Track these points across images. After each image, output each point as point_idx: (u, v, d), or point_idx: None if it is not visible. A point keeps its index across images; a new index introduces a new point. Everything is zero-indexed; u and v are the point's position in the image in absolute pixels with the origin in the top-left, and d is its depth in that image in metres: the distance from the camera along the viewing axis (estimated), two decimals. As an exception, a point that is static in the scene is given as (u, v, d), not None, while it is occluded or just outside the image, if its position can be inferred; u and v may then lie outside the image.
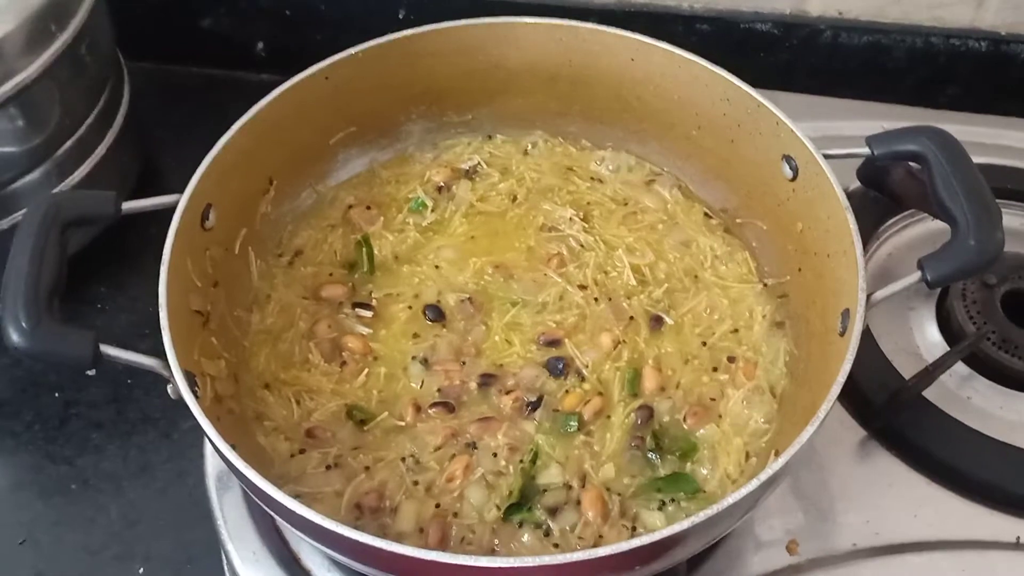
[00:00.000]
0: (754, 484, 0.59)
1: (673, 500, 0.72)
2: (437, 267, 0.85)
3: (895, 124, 1.02)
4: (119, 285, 1.00)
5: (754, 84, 0.82)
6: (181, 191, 0.73)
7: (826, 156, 0.75)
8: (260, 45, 1.20)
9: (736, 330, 0.81)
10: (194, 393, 0.64)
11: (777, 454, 0.71)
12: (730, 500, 0.58)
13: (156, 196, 0.73)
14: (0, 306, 0.64)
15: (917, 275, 0.69)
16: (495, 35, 0.87)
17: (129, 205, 0.71)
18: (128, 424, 0.90)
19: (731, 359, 0.79)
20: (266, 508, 0.65)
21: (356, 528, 0.57)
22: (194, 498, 0.82)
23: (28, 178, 0.91)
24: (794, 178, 0.79)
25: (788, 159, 0.79)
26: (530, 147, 0.94)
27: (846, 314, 0.69)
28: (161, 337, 0.66)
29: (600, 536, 0.70)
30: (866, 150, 0.75)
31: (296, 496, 0.66)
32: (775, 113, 0.79)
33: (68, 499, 0.86)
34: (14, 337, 0.62)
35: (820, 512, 0.79)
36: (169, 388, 0.65)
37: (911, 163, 0.76)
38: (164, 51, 1.18)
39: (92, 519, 0.85)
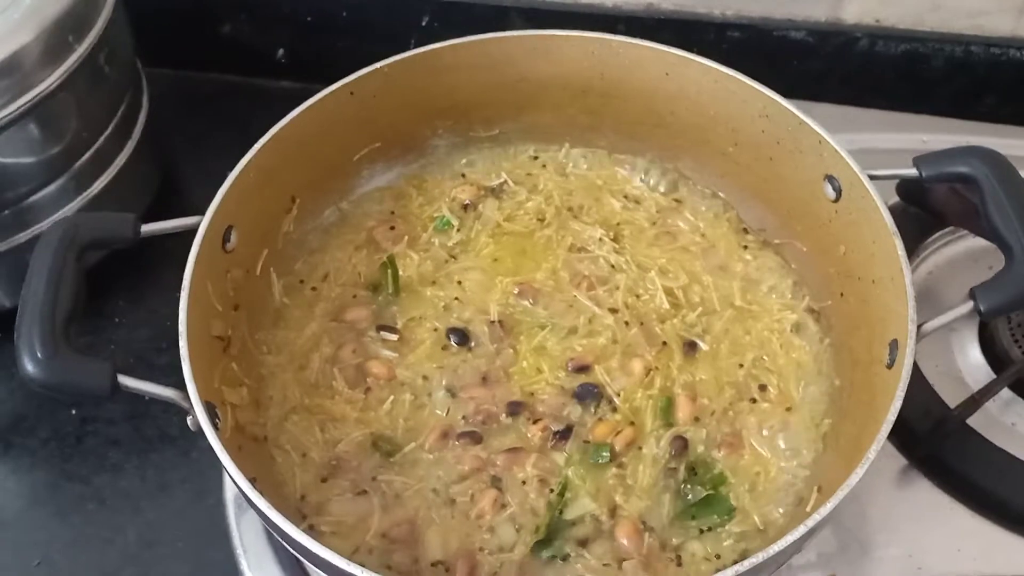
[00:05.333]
0: (801, 531, 0.56)
1: (710, 528, 0.70)
2: (464, 289, 0.83)
3: (933, 136, 1.01)
4: (137, 299, 0.98)
5: (787, 94, 0.80)
6: (201, 203, 0.71)
7: (872, 177, 0.73)
8: (281, 52, 1.18)
9: (774, 357, 0.78)
10: (214, 424, 0.62)
11: (820, 490, 0.69)
12: (776, 548, 0.56)
13: (176, 217, 0.71)
14: (15, 334, 0.62)
15: (969, 305, 0.66)
16: (524, 48, 0.85)
17: (148, 228, 0.69)
18: (146, 442, 0.89)
19: (764, 387, 0.77)
20: (286, 545, 0.62)
21: (384, 561, 0.56)
22: (212, 519, 0.81)
23: (46, 191, 0.89)
24: (837, 199, 0.76)
25: (831, 179, 0.77)
26: (559, 163, 0.92)
27: (894, 345, 0.67)
28: (179, 352, 0.65)
29: (646, 567, 0.68)
30: (914, 171, 0.72)
31: (320, 527, 0.65)
32: (817, 131, 0.76)
33: (85, 519, 0.85)
34: (29, 368, 0.61)
35: (860, 545, 0.76)
36: (189, 420, 0.63)
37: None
38: (183, 58, 1.17)
39: (109, 540, 0.83)
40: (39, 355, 0.60)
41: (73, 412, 0.90)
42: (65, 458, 0.88)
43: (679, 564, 0.68)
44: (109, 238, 0.68)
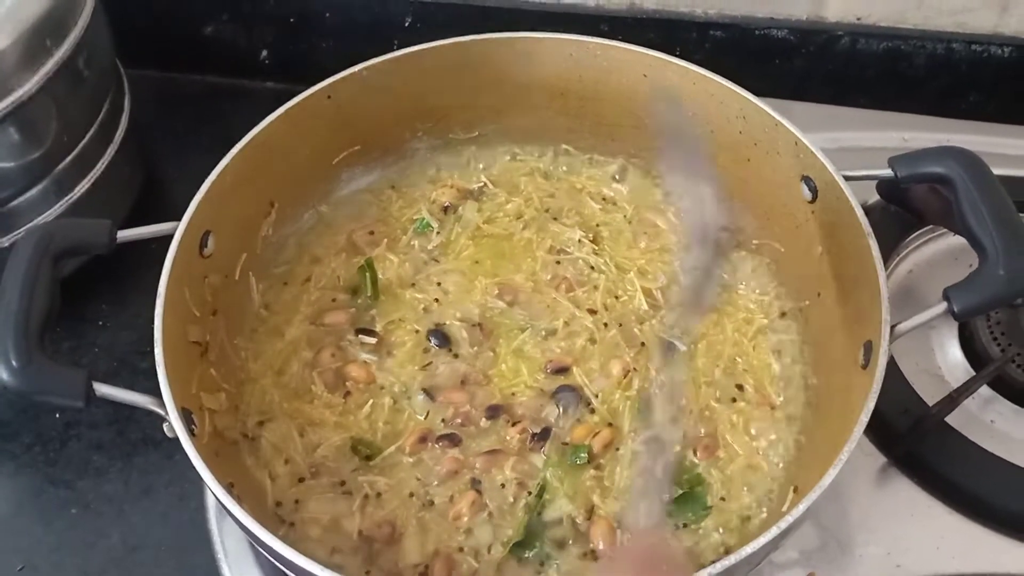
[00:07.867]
0: (774, 532, 0.57)
1: (686, 525, 0.70)
2: (444, 291, 0.83)
3: (915, 134, 1.01)
4: (120, 301, 0.98)
5: (769, 93, 0.80)
6: (185, 206, 0.71)
7: (847, 178, 0.73)
8: (264, 53, 1.17)
9: (750, 358, 0.79)
10: (191, 431, 0.62)
11: (796, 490, 0.69)
12: (748, 550, 0.56)
13: (159, 221, 0.71)
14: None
15: (943, 306, 0.66)
16: (503, 50, 0.85)
17: (124, 234, 0.69)
18: (129, 445, 0.88)
19: (742, 388, 0.77)
20: (263, 552, 0.63)
21: (364, 564, 0.55)
22: (196, 523, 0.81)
23: (27, 195, 0.89)
24: (813, 200, 0.77)
25: (807, 180, 0.77)
26: (538, 166, 0.92)
27: (868, 346, 0.67)
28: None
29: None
30: (889, 172, 0.72)
31: (299, 531, 0.64)
32: (794, 132, 0.76)
33: (68, 523, 0.84)
34: (3, 375, 0.61)
35: (839, 543, 0.76)
36: (165, 427, 0.63)
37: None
38: (166, 59, 1.16)
39: (92, 544, 0.83)
40: (13, 363, 0.60)
41: (57, 416, 0.90)
42: (49, 463, 0.87)
43: None
44: (85, 245, 0.68)
